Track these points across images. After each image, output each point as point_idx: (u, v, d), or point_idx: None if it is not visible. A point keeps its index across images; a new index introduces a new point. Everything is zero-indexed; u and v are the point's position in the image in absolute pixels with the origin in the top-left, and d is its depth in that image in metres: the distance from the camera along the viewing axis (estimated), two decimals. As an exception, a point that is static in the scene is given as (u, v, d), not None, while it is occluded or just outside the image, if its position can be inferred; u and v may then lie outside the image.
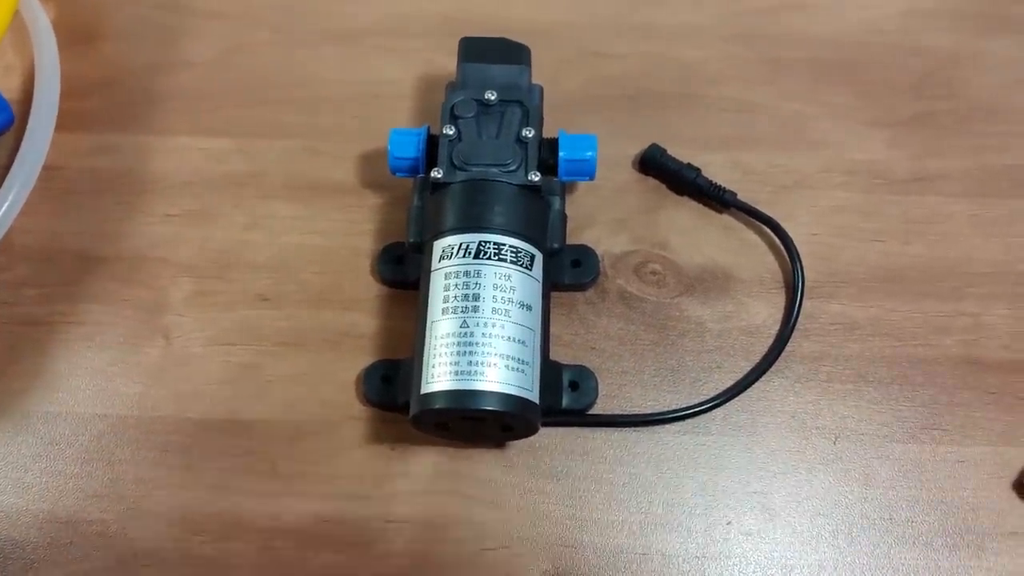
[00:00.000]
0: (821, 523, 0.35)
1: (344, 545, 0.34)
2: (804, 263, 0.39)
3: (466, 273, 0.32)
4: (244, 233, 0.40)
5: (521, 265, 0.33)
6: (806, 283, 0.39)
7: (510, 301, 0.32)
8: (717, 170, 0.41)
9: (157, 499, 0.35)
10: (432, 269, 0.33)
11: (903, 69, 0.45)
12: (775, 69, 0.45)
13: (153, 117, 0.43)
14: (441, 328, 0.32)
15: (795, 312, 0.38)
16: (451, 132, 0.35)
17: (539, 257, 0.34)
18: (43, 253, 0.40)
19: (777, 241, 0.40)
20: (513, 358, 0.31)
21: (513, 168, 0.34)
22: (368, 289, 0.39)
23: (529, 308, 0.32)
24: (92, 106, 0.43)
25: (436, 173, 0.34)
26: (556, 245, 0.35)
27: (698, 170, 0.41)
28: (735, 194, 0.41)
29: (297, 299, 0.39)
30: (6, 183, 0.39)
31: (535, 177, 0.34)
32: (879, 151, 0.43)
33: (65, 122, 0.42)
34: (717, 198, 0.41)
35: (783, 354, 0.38)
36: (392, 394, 0.35)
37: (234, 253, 0.40)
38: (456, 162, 0.34)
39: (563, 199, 0.37)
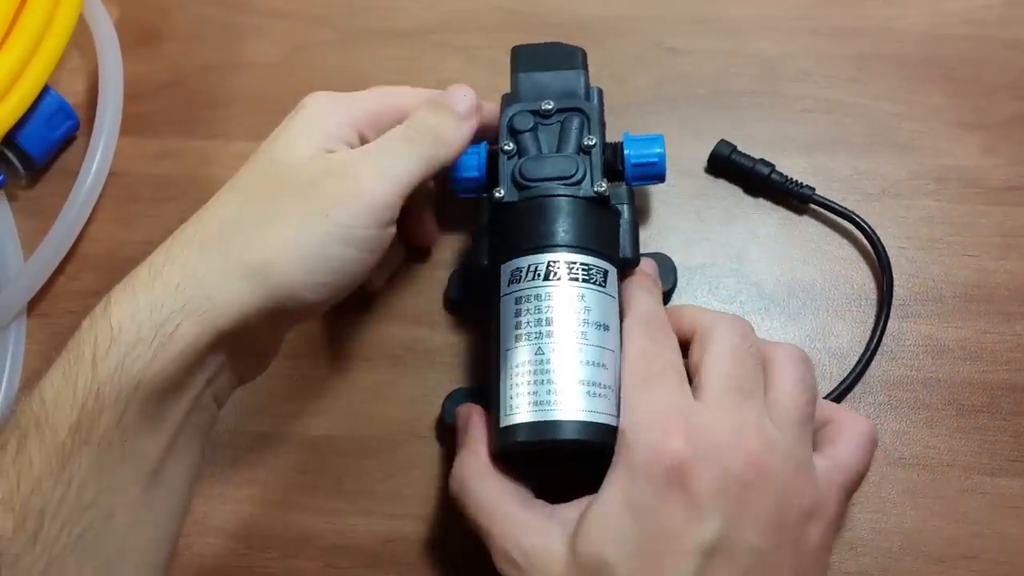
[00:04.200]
0: (904, 560, 0.34)
1: (407, 567, 0.34)
2: (889, 279, 0.37)
3: (536, 296, 0.31)
4: (307, 243, 0.40)
5: (594, 283, 0.31)
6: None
7: (585, 322, 0.30)
8: (797, 176, 0.39)
9: (223, 515, 0.35)
10: (502, 294, 0.32)
11: (1001, 66, 0.42)
12: (860, 65, 0.42)
13: (216, 121, 0.42)
14: (516, 357, 0.30)
15: (882, 324, 0.37)
16: (510, 147, 0.34)
17: (612, 272, 0.32)
18: (109, 261, 0.40)
19: (862, 243, 0.38)
20: (594, 383, 0.29)
21: (578, 180, 0.33)
22: (433, 304, 0.38)
23: (606, 328, 0.31)
24: (155, 109, 0.43)
25: (498, 193, 0.33)
26: (629, 256, 0.33)
27: (772, 166, 0.39)
28: (813, 189, 0.39)
29: (363, 314, 0.38)
30: (73, 191, 0.39)
31: (601, 187, 0.33)
32: (973, 156, 0.40)
33: (128, 126, 0.42)
34: (794, 195, 0.39)
35: (866, 377, 0.36)
36: None
37: (297, 263, 0.39)
38: (518, 179, 0.33)
39: (633, 206, 0.35)
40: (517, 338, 0.30)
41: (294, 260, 0.28)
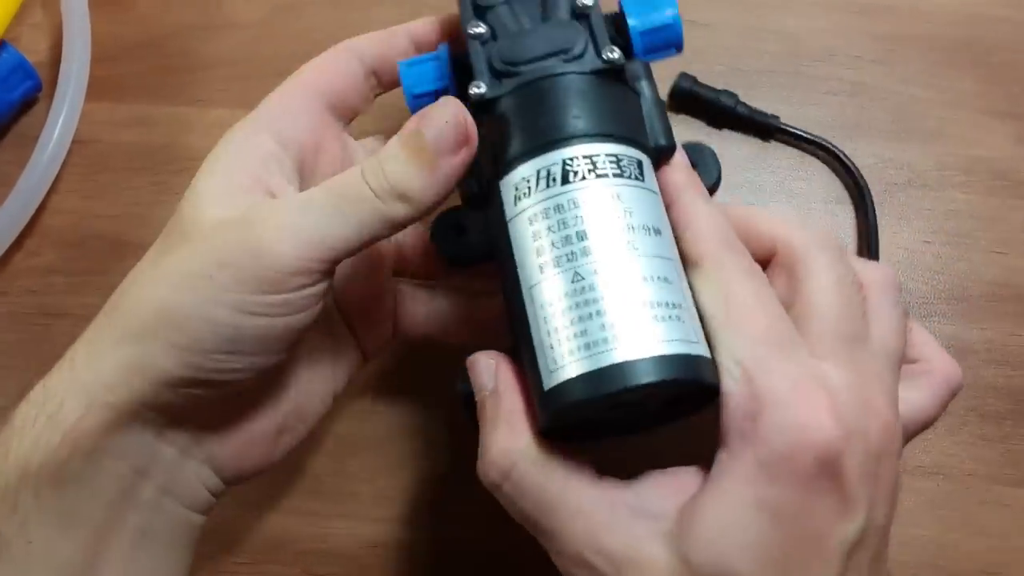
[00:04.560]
0: (920, 575, 0.32)
1: (395, 574, 0.32)
2: (914, 275, 0.36)
3: (557, 208, 0.23)
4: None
5: (629, 176, 0.24)
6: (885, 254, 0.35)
7: (630, 228, 0.23)
8: (819, 161, 0.37)
9: (194, 515, 0.33)
10: (509, 218, 0.24)
11: (1037, 50, 0.39)
12: (889, 46, 0.39)
13: (193, 85, 0.39)
14: (546, 292, 0.23)
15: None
16: (481, 30, 0.26)
17: (647, 162, 0.25)
18: (73, 237, 0.37)
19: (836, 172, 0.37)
20: (661, 303, 0.22)
21: (579, 52, 0.25)
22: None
23: (658, 232, 0.24)
24: (126, 72, 0.39)
25: (476, 88, 0.25)
26: (663, 142, 0.26)
27: (735, 96, 0.37)
28: (778, 118, 0.37)
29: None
30: (33, 158, 0.36)
31: (613, 54, 0.25)
32: (1004, 147, 0.38)
33: (96, 90, 0.38)
34: (760, 125, 0.37)
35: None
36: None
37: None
38: (499, 66, 0.25)
39: (652, 82, 0.27)
40: (543, 268, 0.23)
41: (174, 328, 0.23)
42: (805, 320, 0.23)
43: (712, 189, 0.28)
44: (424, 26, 0.29)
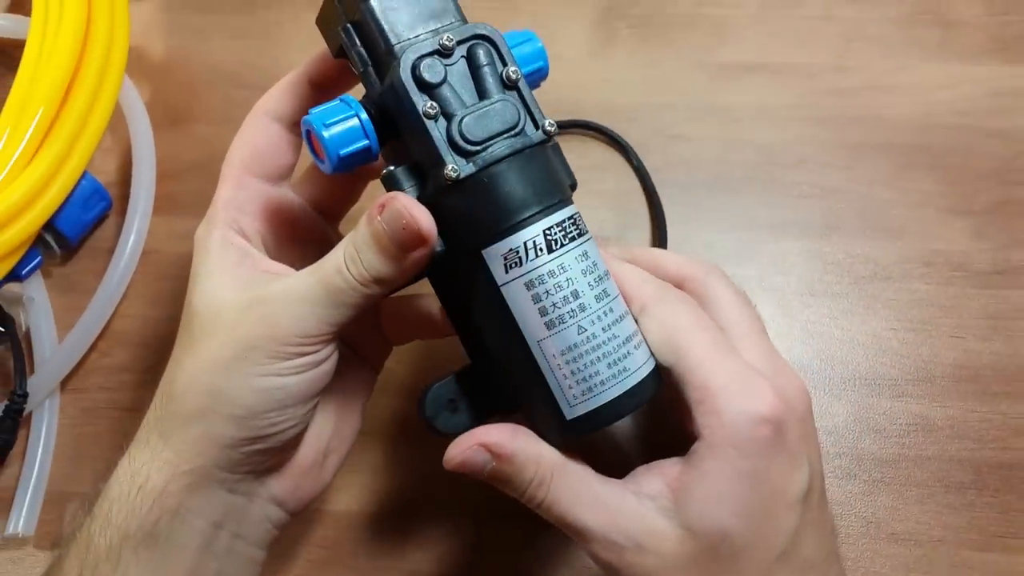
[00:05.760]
0: (896, 634, 0.35)
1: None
2: (883, 359, 0.40)
3: (551, 273, 0.27)
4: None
5: (584, 231, 0.28)
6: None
7: (599, 279, 0.28)
8: (795, 258, 0.42)
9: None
10: (501, 283, 0.28)
11: (987, 154, 0.44)
12: (854, 153, 0.44)
13: (241, 200, 0.44)
14: (556, 345, 0.28)
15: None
16: (435, 109, 0.27)
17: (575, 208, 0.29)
18: (139, 338, 0.41)
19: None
20: (634, 334, 0.29)
21: (523, 126, 0.28)
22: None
23: (607, 273, 0.29)
24: (185, 188, 0.44)
25: (453, 172, 0.27)
26: (571, 181, 0.30)
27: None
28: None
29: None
30: (108, 271, 0.41)
31: (552, 125, 0.28)
32: (961, 241, 0.42)
33: (159, 205, 0.43)
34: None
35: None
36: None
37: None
38: (460, 144, 0.27)
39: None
40: (549, 325, 0.27)
41: (229, 403, 0.27)
42: (733, 327, 0.30)
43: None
44: (315, 64, 0.31)
